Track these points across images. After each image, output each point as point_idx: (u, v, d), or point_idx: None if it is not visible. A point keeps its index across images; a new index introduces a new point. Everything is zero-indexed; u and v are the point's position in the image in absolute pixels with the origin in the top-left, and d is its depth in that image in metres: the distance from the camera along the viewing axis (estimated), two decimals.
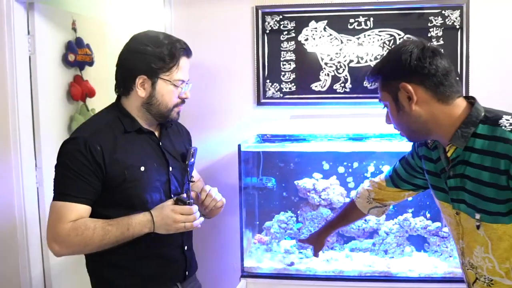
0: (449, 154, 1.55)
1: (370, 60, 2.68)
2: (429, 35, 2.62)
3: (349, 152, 2.67)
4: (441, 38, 2.62)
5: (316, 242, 2.26)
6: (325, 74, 2.72)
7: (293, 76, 2.75)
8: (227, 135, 2.81)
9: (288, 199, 2.76)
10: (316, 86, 2.73)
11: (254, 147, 2.62)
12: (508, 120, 1.44)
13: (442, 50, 1.57)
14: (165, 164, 1.96)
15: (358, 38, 2.68)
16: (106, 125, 1.85)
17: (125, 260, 1.87)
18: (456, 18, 2.60)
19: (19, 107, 2.77)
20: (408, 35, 2.64)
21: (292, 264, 2.47)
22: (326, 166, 2.70)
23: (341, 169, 2.70)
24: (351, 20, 2.68)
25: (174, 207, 1.83)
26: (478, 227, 1.51)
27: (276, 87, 2.76)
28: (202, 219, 1.89)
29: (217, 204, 2.00)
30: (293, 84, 2.75)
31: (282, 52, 2.74)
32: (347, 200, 2.57)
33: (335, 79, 2.72)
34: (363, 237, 2.64)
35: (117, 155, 1.81)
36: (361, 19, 2.67)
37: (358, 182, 2.64)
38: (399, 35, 2.65)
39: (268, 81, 2.76)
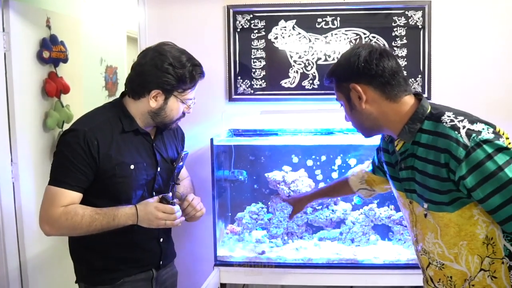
0: (397, 148, 1.68)
1: (337, 58, 2.78)
2: (393, 34, 2.75)
3: (317, 145, 2.79)
4: (405, 37, 2.75)
5: (298, 204, 2.44)
6: (294, 71, 2.83)
7: (263, 73, 2.85)
8: (199, 130, 2.89)
9: (258, 191, 2.87)
10: (285, 83, 2.84)
11: (226, 141, 2.72)
12: (449, 116, 1.54)
13: (390, 51, 1.69)
14: (155, 164, 2.11)
15: (325, 37, 2.80)
16: (106, 122, 1.99)
17: (102, 245, 2.04)
18: (418, 18, 2.74)
19: None
20: (373, 34, 2.76)
21: (263, 252, 2.57)
22: (295, 159, 2.81)
23: (309, 162, 2.81)
24: (319, 20, 2.79)
25: (157, 205, 1.97)
26: (425, 215, 1.63)
27: (247, 84, 2.86)
28: (183, 219, 2.06)
29: (197, 214, 2.16)
30: (263, 80, 2.85)
31: (253, 50, 2.85)
32: None
33: (303, 76, 2.83)
34: (331, 226, 2.75)
35: (111, 152, 1.96)
36: (329, 18, 2.78)
37: (326, 175, 2.77)
38: (364, 34, 2.77)
39: (239, 78, 2.86)
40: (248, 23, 2.83)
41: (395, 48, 2.75)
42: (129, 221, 1.95)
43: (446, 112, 1.56)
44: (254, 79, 2.85)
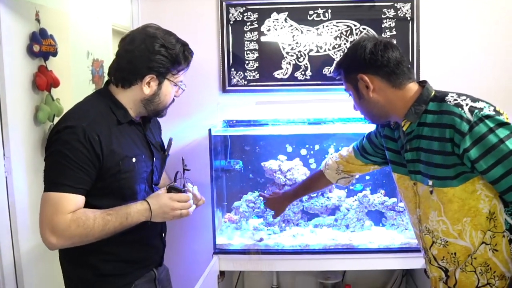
0: (404, 128, 1.77)
1: (329, 49, 2.86)
2: (382, 26, 2.83)
3: (311, 135, 2.86)
4: (394, 29, 2.83)
5: (279, 207, 2.53)
6: (287, 63, 2.89)
7: (256, 64, 2.90)
8: (194, 121, 2.95)
9: (254, 180, 2.93)
10: (278, 74, 2.90)
11: (223, 131, 2.77)
12: (453, 96, 1.65)
13: (394, 42, 1.81)
14: (151, 155, 2.00)
15: (317, 29, 2.87)
16: (100, 115, 1.83)
17: (109, 246, 1.85)
18: (407, 10, 2.82)
19: None
20: (363, 26, 2.84)
21: (261, 240, 2.63)
22: (289, 148, 2.88)
23: (303, 151, 2.88)
24: (311, 12, 2.86)
25: (171, 195, 1.88)
26: (431, 192, 1.72)
27: (241, 75, 2.91)
28: (194, 206, 1.97)
29: (199, 203, 2.07)
30: (256, 72, 2.91)
31: (246, 42, 2.90)
32: None
33: (296, 67, 2.90)
34: (326, 213, 2.83)
35: (113, 146, 1.81)
36: (320, 11, 2.85)
37: (319, 163, 2.84)
38: (355, 26, 2.85)
39: (232, 69, 2.91)
40: (241, 16, 2.88)
41: None
42: (142, 217, 1.83)
43: (450, 93, 1.68)
44: (247, 71, 2.90)
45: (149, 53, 1.84)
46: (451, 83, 2.80)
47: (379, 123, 1.96)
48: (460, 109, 1.59)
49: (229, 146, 2.91)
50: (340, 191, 2.84)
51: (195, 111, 2.94)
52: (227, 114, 2.92)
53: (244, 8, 2.87)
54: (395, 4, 2.82)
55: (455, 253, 1.73)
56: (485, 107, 1.58)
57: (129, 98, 1.91)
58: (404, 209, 2.59)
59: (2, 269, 2.89)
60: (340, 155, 2.29)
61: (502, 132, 1.54)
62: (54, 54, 3.29)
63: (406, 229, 2.67)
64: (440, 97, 1.69)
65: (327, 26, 2.86)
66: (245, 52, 2.90)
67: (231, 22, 2.88)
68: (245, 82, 2.91)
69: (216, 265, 2.55)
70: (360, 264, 2.59)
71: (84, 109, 1.86)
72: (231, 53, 2.90)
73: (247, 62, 2.90)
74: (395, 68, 1.73)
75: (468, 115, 1.56)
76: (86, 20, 3.96)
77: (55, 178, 1.72)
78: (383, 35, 2.83)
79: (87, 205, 1.78)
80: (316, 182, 2.41)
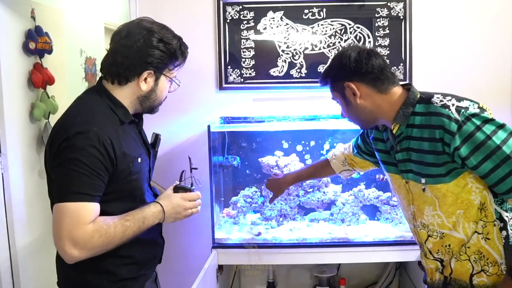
0: (394, 131, 1.83)
1: (323, 48, 2.92)
2: (376, 24, 2.90)
3: (307, 131, 2.92)
4: (387, 28, 2.90)
5: (278, 189, 2.57)
6: (282, 61, 2.95)
7: (252, 62, 2.95)
8: (191, 118, 2.99)
9: (251, 176, 2.98)
10: (274, 72, 2.95)
11: (221, 128, 2.81)
12: (438, 97, 1.72)
13: (376, 51, 1.90)
14: (148, 153, 1.95)
15: (312, 27, 2.92)
16: (105, 116, 1.76)
17: (124, 249, 1.77)
18: (400, 10, 2.89)
19: None
20: (357, 25, 2.90)
21: (259, 234, 2.68)
22: (285, 145, 2.94)
23: (299, 147, 2.94)
24: (306, 11, 2.91)
25: (182, 195, 1.89)
26: (424, 189, 1.79)
27: (237, 73, 2.95)
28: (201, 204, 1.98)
29: None
30: (252, 70, 2.95)
31: (242, 40, 2.94)
32: None
33: (291, 65, 2.95)
34: (322, 208, 2.88)
35: (124, 148, 1.75)
36: (315, 10, 2.91)
37: (315, 159, 2.91)
38: (349, 24, 2.91)
39: (229, 67, 2.95)
40: (238, 14, 2.92)
41: (378, 38, 2.90)
42: (157, 220, 1.81)
43: (435, 94, 1.75)
44: (243, 69, 2.95)
45: (147, 48, 1.77)
46: (443, 82, 2.92)
47: (368, 128, 2.04)
48: (447, 109, 1.67)
49: (227, 142, 2.96)
50: (336, 186, 2.90)
51: (192, 108, 2.98)
52: (224, 111, 2.96)
53: (240, 7, 2.91)
54: (388, 4, 2.89)
55: (449, 245, 1.81)
56: (470, 105, 1.66)
57: (125, 95, 1.82)
58: (399, 204, 2.66)
59: None
60: (348, 149, 2.37)
61: (488, 129, 1.61)
62: (50, 51, 3.31)
63: (400, 222, 2.73)
64: (426, 98, 1.76)
65: (322, 24, 2.92)
66: (242, 50, 2.94)
67: (228, 21, 2.93)
68: (242, 80, 2.95)
69: (215, 259, 2.59)
70: (356, 257, 2.64)
71: (88, 111, 1.75)
72: (227, 51, 2.95)
73: (243, 60, 2.95)
74: (379, 74, 1.81)
75: (456, 115, 1.64)
76: (80, 18, 3.99)
77: (72, 188, 1.62)
78: (376, 34, 2.90)
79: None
80: (320, 170, 2.48)
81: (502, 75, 2.95)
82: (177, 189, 1.91)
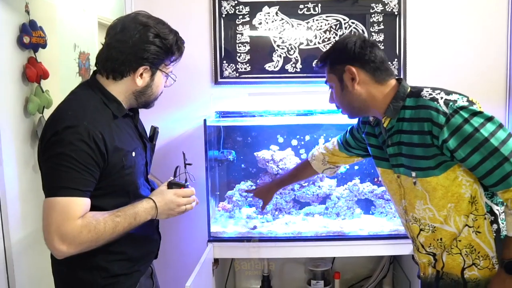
0: (385, 125, 1.86)
1: (318, 43, 2.94)
2: (371, 20, 2.92)
3: (302, 125, 2.94)
4: (382, 23, 2.91)
5: (266, 196, 2.61)
6: (278, 56, 2.96)
7: (248, 57, 2.96)
8: (186, 113, 2.99)
9: (247, 170, 2.99)
10: (269, 67, 2.96)
11: (217, 122, 2.82)
12: (428, 91, 1.75)
13: (378, 44, 1.95)
14: (144, 146, 1.94)
15: (307, 23, 2.94)
16: (97, 110, 1.74)
17: (116, 245, 1.77)
18: (394, 5, 2.91)
19: None
20: (352, 20, 2.92)
21: (255, 227, 2.70)
22: (280, 139, 2.95)
23: (294, 142, 2.95)
24: (301, 6, 2.93)
25: (176, 191, 1.87)
26: (415, 183, 1.81)
27: (232, 68, 2.96)
28: (196, 200, 1.97)
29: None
30: (248, 64, 2.96)
31: (238, 35, 2.95)
32: None
33: (286, 60, 2.96)
34: (317, 202, 2.91)
35: (116, 142, 1.72)
36: (310, 5, 2.92)
37: None
38: (344, 20, 2.92)
39: (224, 62, 2.96)
40: (233, 9, 2.93)
41: (372, 34, 2.92)
42: (149, 216, 1.78)
43: (425, 88, 1.78)
44: (239, 63, 2.96)
45: (143, 44, 1.75)
46: (437, 77, 2.94)
47: (357, 117, 2.05)
48: (435, 102, 1.69)
49: (222, 136, 2.97)
50: (331, 181, 2.92)
51: (188, 103, 2.99)
52: (219, 106, 2.97)
53: (236, 2, 2.92)
54: None
55: (441, 239, 1.83)
56: (458, 98, 1.68)
57: (120, 90, 1.81)
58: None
59: None
60: (326, 147, 2.39)
61: (476, 121, 1.63)
62: (44, 46, 3.30)
63: (394, 217, 2.76)
64: (416, 92, 1.78)
65: (317, 20, 2.93)
66: (237, 45, 2.95)
67: (223, 16, 2.93)
68: (237, 74, 2.96)
69: (211, 253, 2.60)
70: (351, 250, 2.67)
71: (79, 105, 1.73)
72: (223, 46, 2.95)
73: (238, 54, 2.95)
74: (380, 65, 1.84)
75: (444, 108, 1.66)
76: (73, 12, 3.97)
77: (61, 182, 1.61)
78: (370, 29, 2.92)
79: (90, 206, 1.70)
80: (302, 172, 2.51)
81: (496, 71, 2.98)
82: (171, 185, 1.90)
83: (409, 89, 1.82)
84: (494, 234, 1.75)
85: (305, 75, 2.96)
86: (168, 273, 2.95)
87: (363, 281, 3.18)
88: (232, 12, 2.93)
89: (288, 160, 2.82)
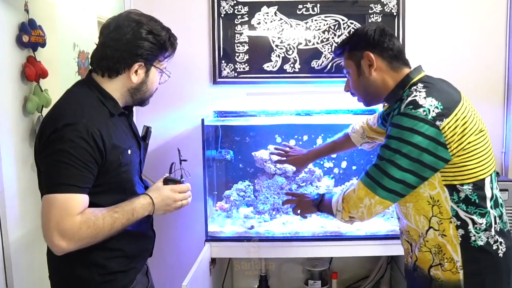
0: (384, 109, 1.96)
1: (317, 43, 2.94)
2: (369, 20, 2.92)
3: (300, 125, 2.94)
4: (380, 24, 2.91)
5: (301, 165, 2.60)
6: (276, 56, 2.96)
7: (246, 57, 2.96)
8: (185, 112, 3.00)
9: (244, 170, 3.00)
10: (268, 67, 2.97)
11: (215, 121, 2.82)
12: (417, 87, 1.75)
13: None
14: (138, 145, 1.96)
15: (306, 23, 2.94)
16: (94, 108, 1.76)
17: (113, 242, 1.78)
18: (393, 6, 2.91)
19: None
20: (351, 20, 2.92)
21: (252, 227, 2.70)
22: (278, 139, 2.95)
23: (292, 142, 2.95)
24: (300, 6, 2.93)
25: (172, 187, 1.89)
26: None
27: (231, 67, 2.96)
28: (191, 196, 1.98)
29: None
30: (246, 64, 2.97)
31: (236, 35, 2.95)
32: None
33: (285, 60, 2.97)
34: None
35: (114, 140, 1.75)
36: (309, 5, 2.92)
37: None
38: (343, 20, 2.93)
39: (223, 61, 2.97)
40: (232, 9, 2.93)
41: None
42: (146, 212, 1.81)
43: (419, 83, 1.79)
44: (237, 63, 2.96)
45: (137, 41, 1.78)
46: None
47: (372, 104, 2.04)
48: (406, 98, 1.72)
49: (220, 136, 2.97)
50: (329, 181, 2.92)
51: (186, 102, 2.99)
52: (218, 105, 2.97)
53: (234, 2, 2.92)
54: (382, 0, 2.91)
55: (409, 231, 1.89)
56: (430, 106, 1.66)
57: (116, 88, 1.83)
58: None
59: None
60: (367, 121, 2.39)
61: (402, 134, 1.66)
62: (43, 45, 3.30)
63: (392, 217, 2.76)
64: (412, 84, 1.82)
65: (315, 20, 2.93)
66: (236, 44, 2.96)
67: (222, 15, 2.94)
68: (235, 74, 2.97)
69: (208, 252, 2.60)
70: (348, 251, 2.66)
71: (77, 103, 1.74)
72: (221, 46, 2.96)
73: (237, 54, 2.96)
74: (397, 54, 1.90)
75: (403, 106, 1.70)
76: (73, 11, 3.98)
77: (60, 179, 1.63)
78: None
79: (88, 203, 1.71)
80: (341, 144, 2.50)
81: (495, 72, 2.99)
82: (167, 181, 1.91)
83: (414, 79, 1.84)
84: (460, 240, 1.75)
85: (303, 75, 2.97)
86: (165, 272, 2.95)
87: (360, 281, 3.18)
88: (231, 12, 2.93)
89: None
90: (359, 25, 2.91)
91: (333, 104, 2.88)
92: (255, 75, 2.97)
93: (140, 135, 2.03)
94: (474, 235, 1.74)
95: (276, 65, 2.96)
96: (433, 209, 1.76)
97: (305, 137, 2.96)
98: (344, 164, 2.97)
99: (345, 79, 2.04)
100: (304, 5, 2.92)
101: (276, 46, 2.95)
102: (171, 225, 3.02)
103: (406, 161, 1.66)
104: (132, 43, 1.78)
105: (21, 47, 3.16)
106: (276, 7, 2.93)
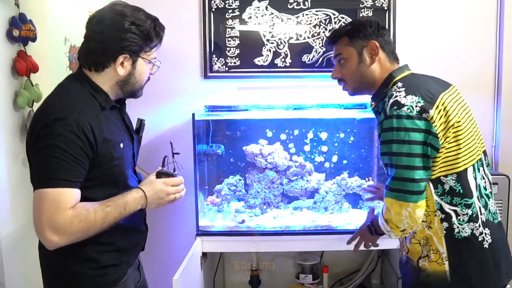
0: (372, 107, 1.99)
1: (308, 38, 2.95)
2: (360, 15, 2.93)
3: (291, 120, 2.95)
4: (373, 18, 2.92)
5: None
6: (267, 50, 2.97)
7: (237, 51, 2.97)
8: (176, 107, 3.00)
9: (235, 164, 3.00)
10: (259, 61, 2.97)
11: (206, 116, 2.82)
12: (397, 86, 1.83)
13: None
14: (131, 138, 1.95)
15: (297, 17, 2.94)
16: (85, 102, 1.76)
17: (105, 236, 1.77)
18: (384, 1, 2.92)
19: None
20: (342, 15, 2.93)
21: (243, 221, 2.70)
22: (269, 133, 2.96)
23: (283, 136, 2.96)
24: (291, 1, 2.94)
25: (164, 180, 1.88)
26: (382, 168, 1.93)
27: (222, 62, 2.97)
28: (185, 189, 1.98)
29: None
30: (237, 59, 2.97)
31: (227, 29, 2.96)
32: (291, 163, 2.87)
33: (276, 55, 2.97)
34: (305, 196, 2.92)
35: (105, 134, 1.74)
36: None
37: (299, 148, 2.93)
38: (334, 14, 2.93)
39: (214, 56, 2.97)
40: (223, 3, 2.94)
41: None
42: (139, 206, 1.80)
43: (398, 83, 1.85)
44: (228, 57, 2.96)
45: (119, 32, 1.76)
46: (426, 73, 2.90)
47: (358, 94, 2.07)
48: (388, 100, 1.78)
49: (211, 130, 2.97)
50: (320, 175, 2.93)
51: (177, 96, 3.00)
52: (209, 100, 2.98)
53: None
54: None
55: None
56: (411, 103, 1.73)
57: (105, 81, 1.83)
58: None
59: None
60: None
61: (398, 135, 1.71)
62: (34, 39, 3.27)
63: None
64: (393, 82, 1.88)
65: (306, 14, 2.94)
66: (227, 39, 2.96)
67: (213, 9, 2.94)
68: (226, 69, 2.97)
69: (199, 247, 2.61)
70: (339, 244, 2.66)
71: (67, 97, 1.75)
72: (212, 40, 2.96)
73: (228, 49, 2.96)
74: (393, 49, 2.00)
75: (388, 108, 1.75)
76: (64, 5, 3.95)
77: (51, 174, 1.63)
78: None
79: (81, 198, 1.70)
80: None
81: (485, 67, 3.02)
82: (159, 175, 1.90)
83: (397, 78, 1.89)
84: (444, 232, 1.80)
85: (294, 69, 2.98)
86: (156, 266, 2.96)
87: (351, 275, 3.20)
88: (222, 6, 2.94)
89: (276, 154, 2.83)
90: (350, 20, 2.91)
91: (324, 99, 2.89)
92: (246, 69, 2.98)
93: (134, 128, 2.02)
94: (458, 227, 1.78)
95: (267, 60, 2.97)
96: None
97: (296, 132, 2.97)
98: (335, 159, 2.98)
99: None
100: (295, 0, 2.92)
101: (267, 40, 2.95)
102: (162, 219, 3.03)
103: (415, 160, 1.71)
104: (115, 35, 1.76)
105: (11, 42, 3.13)
106: (267, 1, 2.93)
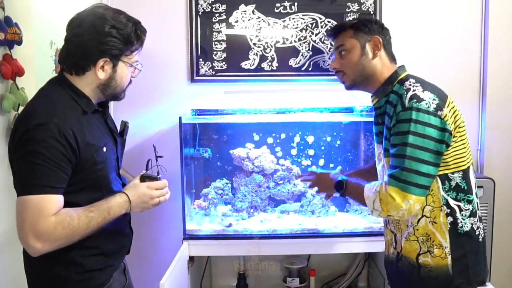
0: (373, 103, 1.99)
1: (295, 41, 2.96)
2: (346, 19, 2.93)
3: (277, 123, 2.95)
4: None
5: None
6: (254, 54, 2.97)
7: (224, 55, 2.97)
8: (162, 110, 3.00)
9: (222, 168, 3.00)
10: (245, 65, 2.98)
11: (193, 119, 2.82)
12: (410, 82, 1.86)
13: None
14: (115, 141, 1.93)
15: (283, 21, 2.96)
16: (67, 107, 1.73)
17: (90, 240, 1.75)
18: (370, 5, 2.94)
19: None
20: (328, 19, 2.94)
21: (230, 225, 2.70)
22: (256, 137, 2.96)
23: (270, 140, 2.97)
24: (277, 4, 2.95)
25: (148, 184, 1.87)
26: (383, 164, 1.94)
27: (209, 65, 2.97)
28: (169, 192, 1.97)
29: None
30: (224, 62, 2.97)
31: (214, 33, 2.96)
32: (278, 167, 2.87)
33: (263, 58, 2.98)
34: (292, 199, 2.92)
35: (87, 138, 1.72)
36: (286, 3, 2.94)
37: (286, 151, 2.94)
38: (320, 18, 2.95)
39: (201, 59, 2.97)
40: (210, 7, 2.94)
41: None
42: (123, 210, 1.79)
43: (410, 79, 1.88)
44: (215, 61, 2.97)
45: (99, 36, 1.73)
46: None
47: (355, 88, 2.08)
48: (405, 93, 1.80)
49: (198, 134, 2.97)
50: None
51: (164, 100, 3.00)
52: (195, 103, 2.97)
53: (212, 0, 2.93)
54: None
55: (398, 221, 1.94)
56: (429, 98, 1.77)
57: (85, 85, 1.79)
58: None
59: None
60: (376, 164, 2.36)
61: (415, 127, 1.73)
62: (19, 42, 3.25)
63: (369, 214, 2.77)
64: (402, 80, 1.90)
65: (293, 18, 2.95)
66: (213, 42, 2.96)
67: (200, 13, 2.94)
68: (213, 72, 2.97)
69: (186, 250, 2.60)
70: (326, 247, 2.68)
71: (48, 102, 1.72)
72: (199, 44, 2.96)
73: (215, 52, 2.96)
74: (392, 51, 2.04)
75: (406, 101, 1.77)
76: (50, 9, 3.93)
77: (33, 180, 1.61)
78: None
79: (64, 203, 1.68)
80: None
81: (470, 70, 3.05)
82: (143, 178, 1.89)
83: (401, 76, 1.93)
84: (449, 226, 1.84)
85: (281, 73, 2.99)
86: (143, 270, 2.94)
87: (338, 278, 3.20)
88: (209, 10, 2.94)
89: (263, 158, 2.84)
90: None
91: (311, 102, 2.90)
92: (233, 73, 2.98)
93: (118, 130, 2.01)
94: (461, 221, 1.84)
95: (253, 64, 2.97)
96: (427, 198, 1.82)
97: (283, 135, 2.97)
98: (321, 162, 2.99)
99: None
100: (282, 4, 2.94)
101: (254, 44, 2.96)
102: (149, 223, 3.02)
103: (427, 155, 1.73)
104: (94, 39, 1.74)
105: None
106: (254, 5, 2.94)
